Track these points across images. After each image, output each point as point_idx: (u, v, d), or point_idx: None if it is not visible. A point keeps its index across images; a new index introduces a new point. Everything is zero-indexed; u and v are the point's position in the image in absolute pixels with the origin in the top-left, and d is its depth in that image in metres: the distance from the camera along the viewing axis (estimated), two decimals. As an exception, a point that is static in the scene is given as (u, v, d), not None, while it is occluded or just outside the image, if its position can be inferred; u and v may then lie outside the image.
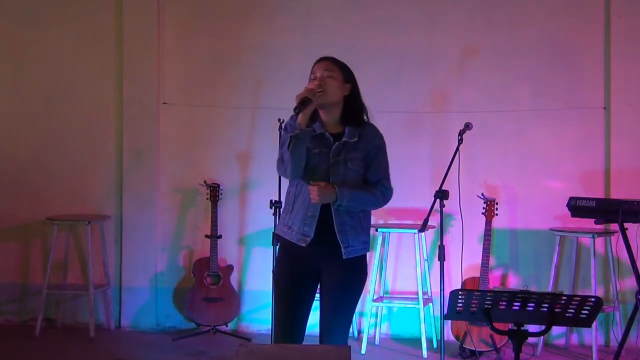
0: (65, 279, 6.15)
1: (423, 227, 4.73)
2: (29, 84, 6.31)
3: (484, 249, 5.45)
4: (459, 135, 4.81)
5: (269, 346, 3.37)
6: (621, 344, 4.86)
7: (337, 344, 3.50)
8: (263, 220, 5.83)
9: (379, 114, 5.94)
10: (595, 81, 5.88)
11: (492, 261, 5.71)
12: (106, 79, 6.24)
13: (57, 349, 5.65)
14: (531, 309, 3.04)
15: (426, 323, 5.60)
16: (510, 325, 3.12)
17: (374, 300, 5.74)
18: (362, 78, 5.98)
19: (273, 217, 5.28)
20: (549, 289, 5.55)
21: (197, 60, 6.25)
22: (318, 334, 3.58)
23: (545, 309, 3.03)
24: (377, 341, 5.88)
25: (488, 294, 3.11)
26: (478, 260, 5.50)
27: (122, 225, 6.18)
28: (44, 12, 6.29)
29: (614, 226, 5.12)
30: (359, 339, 5.80)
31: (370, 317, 5.77)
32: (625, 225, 4.75)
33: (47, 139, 6.28)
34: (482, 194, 5.58)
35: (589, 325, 3.09)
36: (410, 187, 5.95)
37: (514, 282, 5.93)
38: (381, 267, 5.89)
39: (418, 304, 5.61)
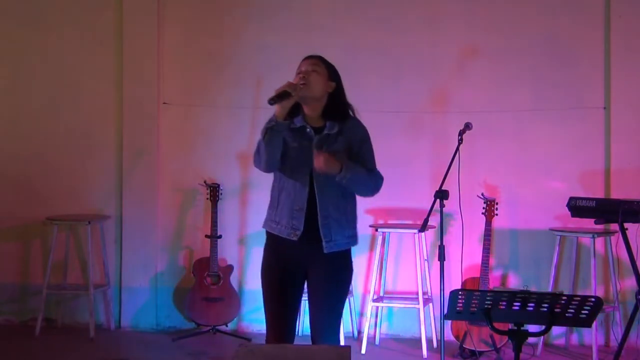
0: (65, 279, 6.16)
1: (423, 227, 4.73)
2: (29, 84, 6.31)
3: (484, 249, 5.45)
4: (459, 135, 4.81)
5: (269, 346, 3.37)
6: (621, 344, 4.86)
7: (328, 340, 3.52)
8: (263, 220, 5.81)
9: (379, 114, 6.03)
10: (595, 81, 5.88)
11: (492, 261, 5.71)
12: (106, 79, 6.24)
13: (57, 349, 5.65)
14: (531, 309, 3.04)
15: (426, 323, 5.60)
16: (510, 325, 3.12)
17: (374, 300, 5.74)
18: (362, 78, 6.07)
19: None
20: (549, 289, 5.55)
21: (197, 60, 6.26)
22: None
23: (545, 309, 3.03)
24: (377, 341, 5.88)
25: (488, 294, 3.11)
26: (478, 260, 5.50)
27: (122, 225, 6.18)
28: (44, 13, 6.30)
29: (614, 226, 5.12)
30: (359, 339, 5.80)
31: (370, 317, 5.77)
32: (625, 225, 4.75)
33: (48, 139, 6.29)
34: (482, 194, 5.58)
35: (589, 325, 3.10)
36: (410, 187, 5.96)
37: (514, 282, 5.93)
38: (381, 267, 5.88)
39: (418, 304, 5.62)
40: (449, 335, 5.45)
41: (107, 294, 6.17)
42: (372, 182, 3.61)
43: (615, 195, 5.61)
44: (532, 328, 3.12)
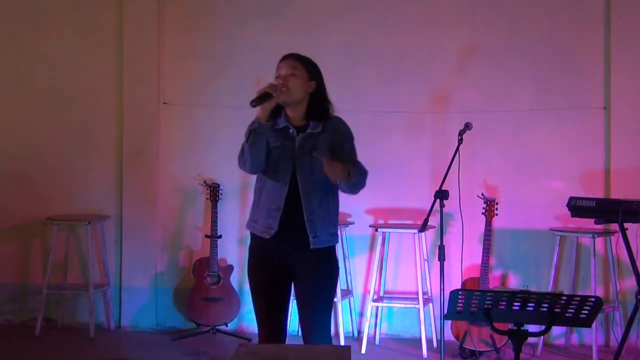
0: (65, 279, 6.16)
1: (423, 227, 4.73)
2: (29, 84, 6.31)
3: (484, 249, 5.45)
4: (459, 135, 4.81)
5: (269, 346, 3.37)
6: (621, 344, 4.86)
7: (319, 336, 3.52)
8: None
9: (379, 114, 6.04)
10: (595, 81, 5.88)
11: (492, 261, 5.71)
12: (106, 79, 6.24)
13: (57, 349, 5.65)
14: (531, 309, 3.04)
15: (426, 323, 5.60)
16: (510, 325, 3.12)
17: (374, 300, 5.74)
18: (362, 78, 6.07)
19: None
20: (549, 289, 5.55)
21: (197, 60, 6.25)
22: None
23: (545, 309, 3.03)
24: (377, 341, 5.88)
25: (488, 294, 3.11)
26: (478, 260, 5.50)
27: (122, 225, 6.18)
28: (45, 12, 6.30)
29: (614, 226, 5.12)
30: (359, 339, 5.80)
31: (370, 317, 5.77)
32: (625, 225, 4.74)
33: (47, 139, 6.29)
34: (482, 194, 5.58)
35: (589, 325, 3.09)
36: (410, 187, 5.97)
37: (514, 282, 5.93)
38: (381, 267, 5.88)
39: (418, 304, 5.61)
40: (449, 335, 5.45)
41: (107, 294, 6.17)
42: (363, 177, 3.61)
43: (615, 195, 5.61)
44: (532, 328, 3.12)
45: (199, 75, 6.25)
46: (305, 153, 3.53)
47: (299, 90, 3.56)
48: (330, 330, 3.66)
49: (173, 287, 6.22)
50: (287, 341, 3.68)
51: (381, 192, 5.99)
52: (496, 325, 3.15)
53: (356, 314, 6.04)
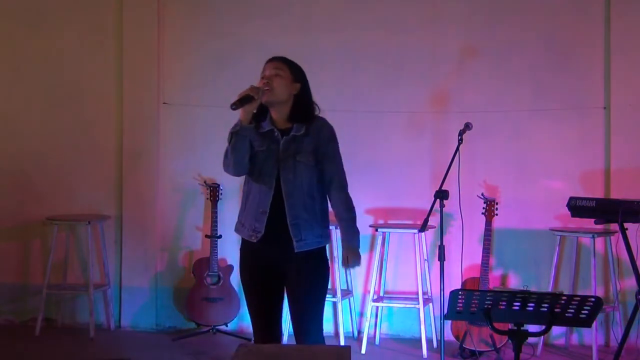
0: (65, 279, 6.16)
1: (423, 227, 4.74)
2: (29, 84, 6.32)
3: (484, 249, 5.45)
4: (459, 135, 4.82)
5: (269, 346, 3.37)
6: (621, 344, 4.85)
7: (310, 339, 3.53)
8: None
9: (379, 114, 6.04)
10: (595, 81, 5.88)
11: (492, 261, 5.71)
12: (106, 79, 6.24)
13: (57, 349, 5.65)
14: (531, 309, 3.04)
15: (426, 323, 5.60)
16: (510, 325, 3.12)
17: (374, 300, 5.74)
18: (362, 78, 6.07)
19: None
20: (549, 289, 5.55)
21: (197, 60, 6.26)
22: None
23: (545, 309, 3.03)
24: (377, 341, 5.88)
25: (488, 294, 3.11)
26: (478, 260, 5.50)
27: (122, 225, 6.18)
28: (44, 12, 6.30)
29: (614, 226, 5.12)
30: (359, 339, 5.80)
31: (370, 317, 5.77)
32: (625, 225, 4.74)
33: (47, 138, 6.29)
34: (482, 194, 5.58)
35: (589, 325, 3.09)
36: (410, 187, 5.97)
37: (514, 282, 5.93)
38: (381, 267, 5.88)
39: (418, 304, 5.61)
40: (449, 335, 5.45)
41: (107, 294, 6.17)
42: (355, 213, 3.69)
43: (615, 195, 5.61)
44: (532, 328, 3.12)
45: (199, 75, 6.25)
46: (289, 156, 3.53)
47: (283, 90, 3.56)
48: (322, 330, 3.66)
49: (173, 287, 6.22)
50: (287, 341, 3.69)
51: (381, 192, 5.99)
52: (496, 325, 3.15)
53: (356, 314, 6.04)
